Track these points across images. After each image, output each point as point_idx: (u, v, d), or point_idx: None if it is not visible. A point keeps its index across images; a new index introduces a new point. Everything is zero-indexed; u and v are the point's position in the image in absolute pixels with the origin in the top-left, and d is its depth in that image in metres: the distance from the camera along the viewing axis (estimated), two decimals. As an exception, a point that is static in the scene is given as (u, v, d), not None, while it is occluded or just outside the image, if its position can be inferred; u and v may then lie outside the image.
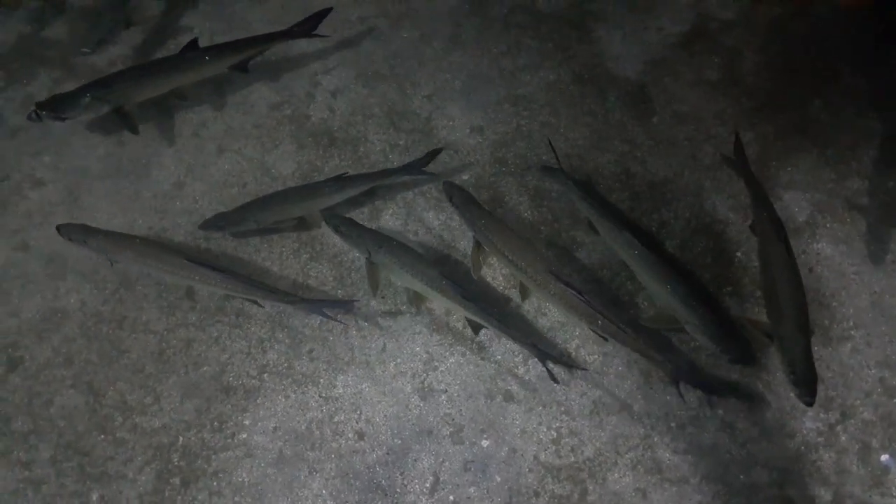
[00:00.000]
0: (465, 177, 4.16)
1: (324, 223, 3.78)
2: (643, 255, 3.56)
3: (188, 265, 3.46)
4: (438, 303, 3.61)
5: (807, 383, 3.18)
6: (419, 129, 4.35)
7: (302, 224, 3.87)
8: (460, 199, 3.71)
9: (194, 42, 4.20)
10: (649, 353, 3.35)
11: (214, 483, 3.25)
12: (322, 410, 3.43)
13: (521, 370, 3.54)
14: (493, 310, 3.49)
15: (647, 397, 3.49)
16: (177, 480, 3.27)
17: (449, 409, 3.45)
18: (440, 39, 4.76)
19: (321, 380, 3.51)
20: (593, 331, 3.39)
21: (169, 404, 3.46)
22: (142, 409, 3.45)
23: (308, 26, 4.38)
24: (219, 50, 4.20)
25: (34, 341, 3.60)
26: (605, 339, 3.39)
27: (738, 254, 3.90)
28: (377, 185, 3.98)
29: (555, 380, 3.39)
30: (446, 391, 3.49)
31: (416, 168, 3.95)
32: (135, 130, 4.13)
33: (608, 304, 3.64)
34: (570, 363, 3.52)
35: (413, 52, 4.69)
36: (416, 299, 3.64)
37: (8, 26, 4.71)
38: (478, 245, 3.69)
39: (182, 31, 4.71)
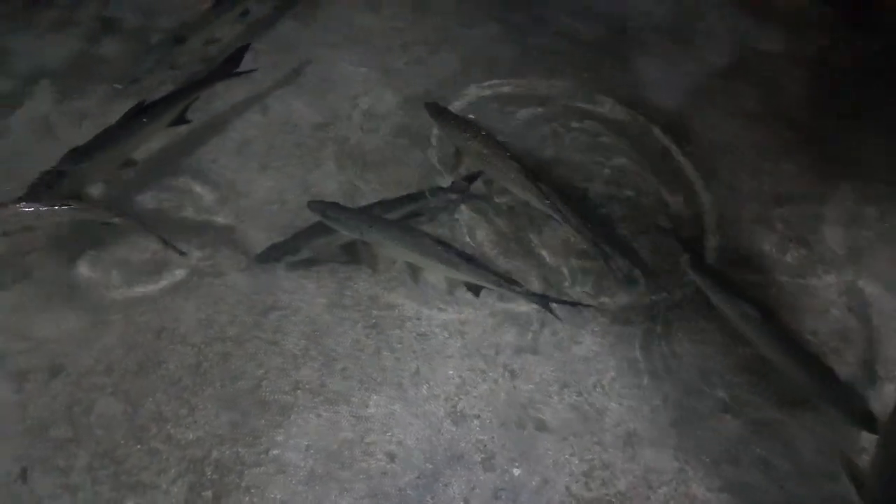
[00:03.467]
0: (500, 203, 4.20)
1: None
2: (762, 326, 3.48)
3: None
4: (437, 270, 3.69)
5: None
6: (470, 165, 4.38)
7: (352, 253, 3.88)
8: (443, 114, 4.15)
9: (140, 105, 3.96)
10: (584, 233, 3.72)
11: (246, 498, 3.27)
12: (354, 430, 3.44)
13: (554, 399, 3.53)
14: (491, 268, 3.65)
15: (682, 432, 3.44)
16: (209, 494, 3.29)
17: (481, 435, 3.44)
18: (479, 66, 4.82)
19: (354, 399, 3.53)
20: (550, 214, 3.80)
21: (204, 417, 3.49)
22: (177, 420, 3.49)
23: (230, 66, 4.39)
24: (155, 109, 3.99)
25: (76, 349, 3.68)
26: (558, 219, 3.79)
27: (777, 288, 3.85)
28: (422, 207, 4.03)
29: (558, 318, 3.62)
30: (478, 417, 3.49)
31: (460, 188, 4.06)
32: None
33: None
34: (576, 302, 3.64)
35: (452, 79, 4.76)
36: (414, 271, 3.77)
37: (65, 43, 4.89)
38: (458, 153, 4.19)
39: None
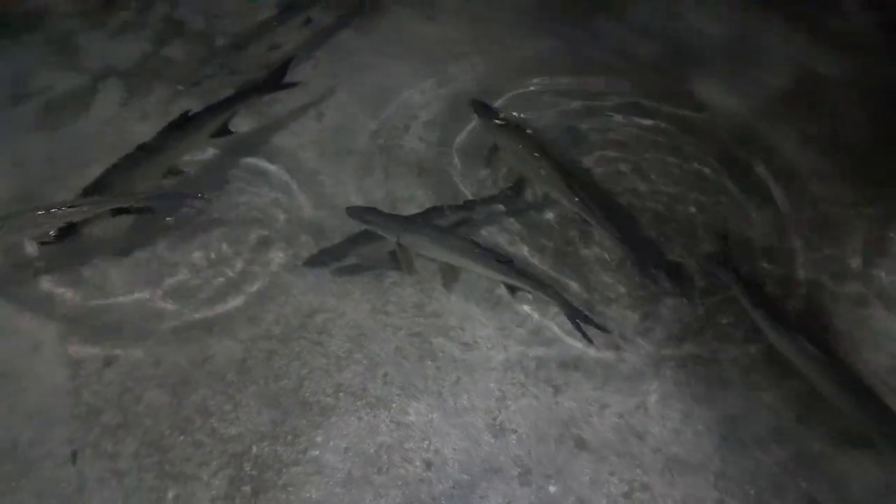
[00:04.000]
0: (549, 215, 4.19)
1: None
2: (821, 363, 3.37)
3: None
4: (475, 271, 3.79)
5: None
6: (506, 163, 4.40)
7: (395, 259, 3.90)
8: (486, 111, 4.26)
9: (185, 115, 4.03)
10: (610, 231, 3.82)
11: (283, 496, 3.32)
12: (392, 436, 3.47)
13: (595, 418, 3.49)
14: (528, 271, 3.75)
15: (725, 460, 3.36)
16: (247, 489, 3.35)
17: (518, 449, 3.42)
18: (534, 77, 4.83)
19: (394, 405, 3.55)
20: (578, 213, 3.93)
21: (246, 413, 3.56)
22: (220, 415, 3.56)
23: (276, 78, 4.42)
24: (198, 119, 4.04)
25: (130, 340, 3.80)
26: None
27: (835, 320, 3.74)
28: (469, 216, 4.06)
29: (589, 339, 3.57)
30: (517, 431, 3.47)
31: (508, 198, 4.10)
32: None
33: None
34: (601, 326, 3.59)
35: (505, 89, 4.78)
36: (449, 276, 3.86)
37: (134, 44, 5.09)
38: (495, 147, 4.27)
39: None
